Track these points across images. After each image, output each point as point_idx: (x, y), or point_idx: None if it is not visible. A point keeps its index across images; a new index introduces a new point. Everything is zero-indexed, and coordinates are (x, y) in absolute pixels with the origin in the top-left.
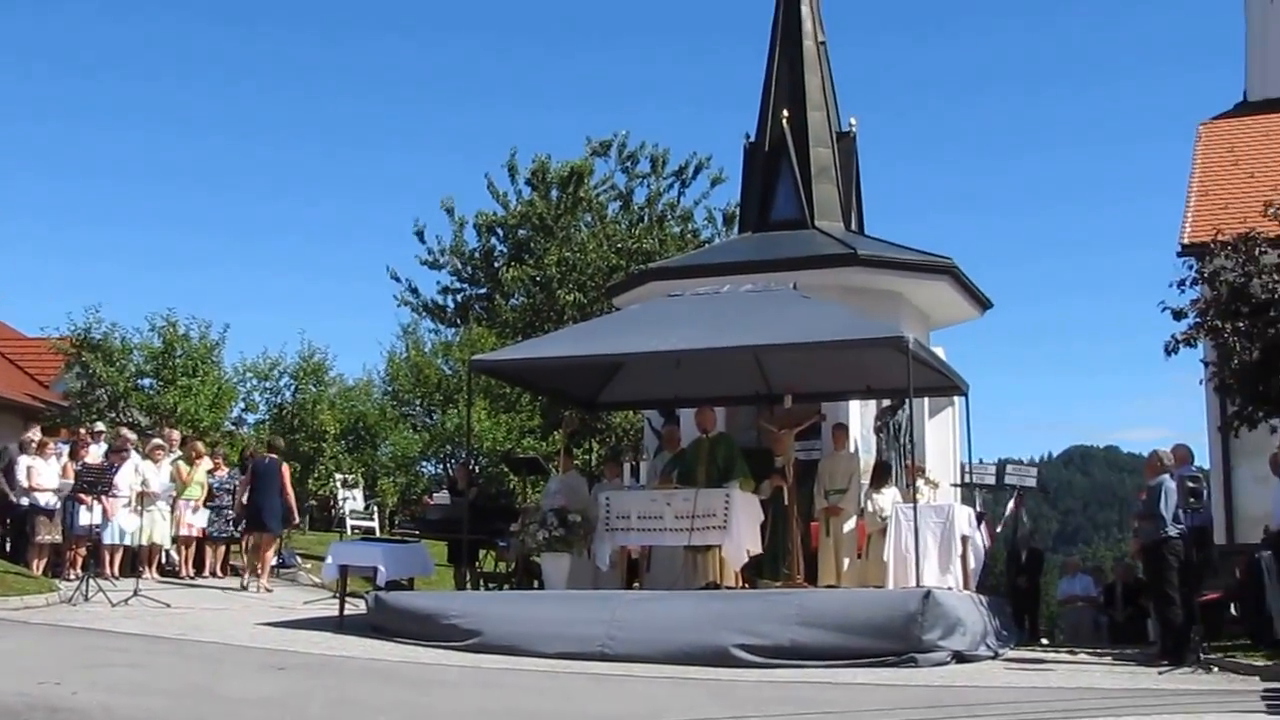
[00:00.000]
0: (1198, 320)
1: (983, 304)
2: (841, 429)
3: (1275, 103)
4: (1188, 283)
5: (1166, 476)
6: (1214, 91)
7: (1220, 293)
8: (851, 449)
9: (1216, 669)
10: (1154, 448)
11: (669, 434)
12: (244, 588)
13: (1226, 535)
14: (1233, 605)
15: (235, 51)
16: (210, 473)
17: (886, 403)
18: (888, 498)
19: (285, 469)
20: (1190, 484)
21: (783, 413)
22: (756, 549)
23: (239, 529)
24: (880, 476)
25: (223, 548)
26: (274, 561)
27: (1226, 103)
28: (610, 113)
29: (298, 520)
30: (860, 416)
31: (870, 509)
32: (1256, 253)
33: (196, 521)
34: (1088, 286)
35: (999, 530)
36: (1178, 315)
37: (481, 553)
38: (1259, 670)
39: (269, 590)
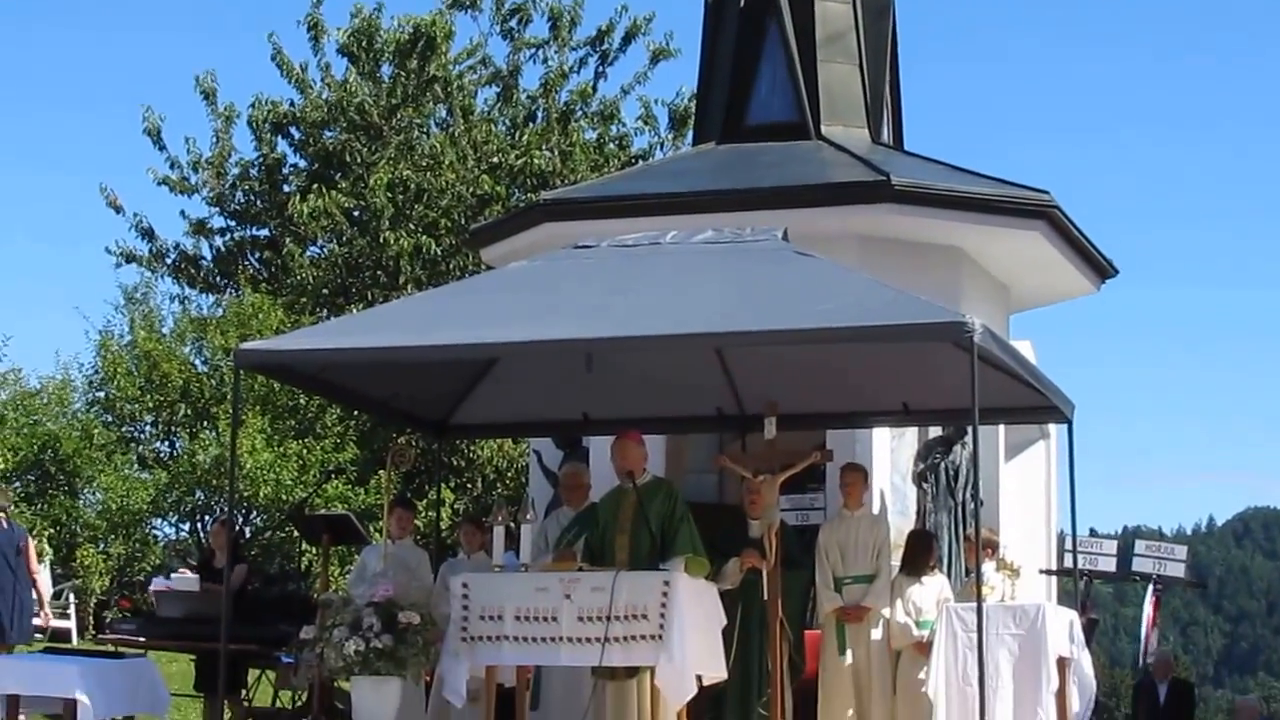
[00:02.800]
0: None
1: (1101, 270)
2: (858, 474)
3: None
4: None
5: None
6: None
7: None
8: (875, 509)
9: None
10: None
11: (570, 478)
12: None
13: None
14: None
15: None
16: None
17: (936, 433)
18: (932, 591)
19: (30, 543)
20: None
21: (762, 447)
22: (717, 674)
23: None
24: (920, 556)
25: None
26: None
27: None
28: None
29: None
30: (891, 455)
31: (903, 611)
32: None
33: None
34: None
35: (1143, 648)
36: None
37: (253, 675)
38: None
39: None
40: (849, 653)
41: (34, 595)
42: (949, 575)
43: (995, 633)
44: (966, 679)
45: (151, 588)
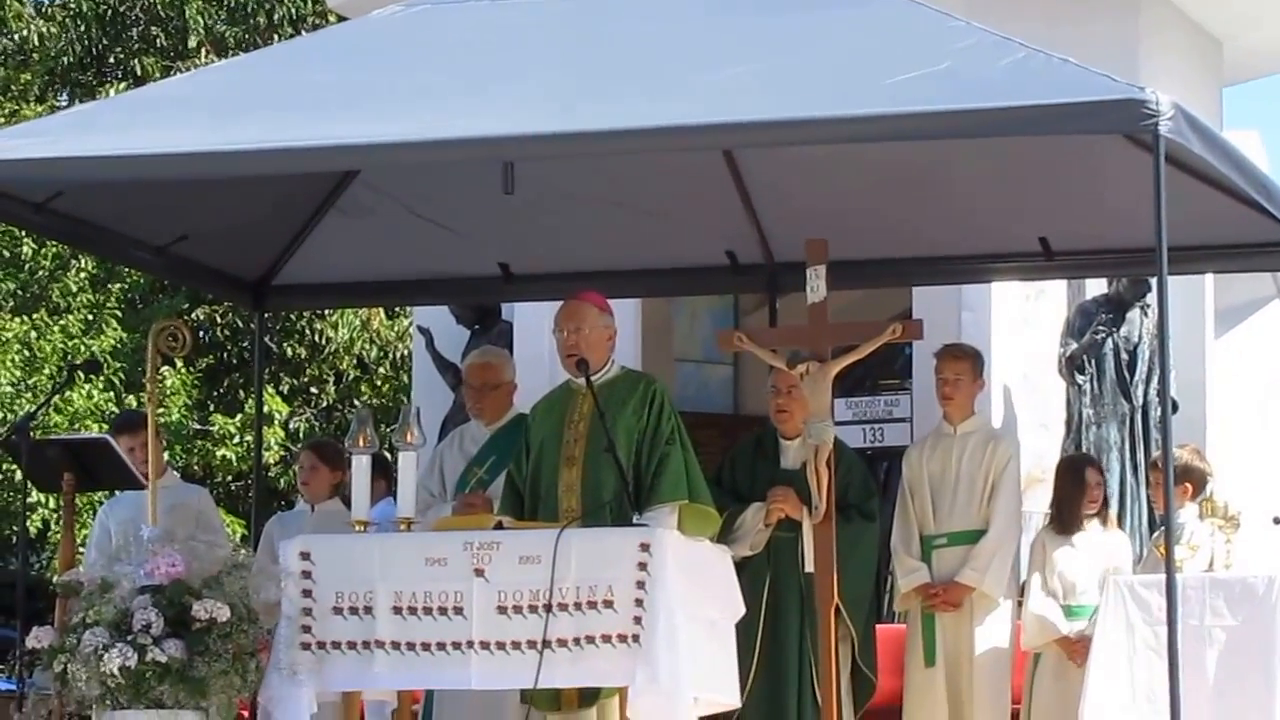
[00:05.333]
0: None
1: None
2: (965, 363)
3: None
4: None
5: None
6: None
7: None
8: (995, 420)
9: None
10: None
11: (481, 374)
12: None
13: None
14: None
15: None
16: None
17: (1098, 290)
18: (1095, 555)
19: None
20: None
21: (804, 317)
22: (728, 698)
23: None
24: (1074, 498)
25: None
26: None
27: None
28: None
29: None
30: (1023, 329)
31: (1042, 588)
32: None
33: None
34: None
35: None
36: None
37: None
38: None
39: None
40: (941, 654)
41: None
42: (1124, 527)
43: (1199, 621)
44: (1150, 696)
45: None
